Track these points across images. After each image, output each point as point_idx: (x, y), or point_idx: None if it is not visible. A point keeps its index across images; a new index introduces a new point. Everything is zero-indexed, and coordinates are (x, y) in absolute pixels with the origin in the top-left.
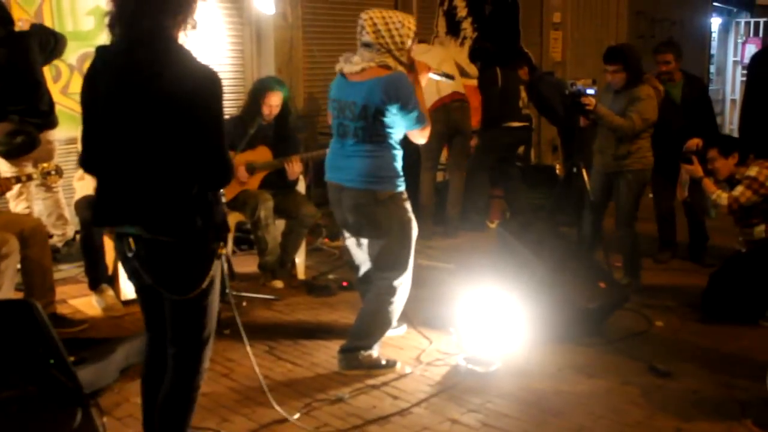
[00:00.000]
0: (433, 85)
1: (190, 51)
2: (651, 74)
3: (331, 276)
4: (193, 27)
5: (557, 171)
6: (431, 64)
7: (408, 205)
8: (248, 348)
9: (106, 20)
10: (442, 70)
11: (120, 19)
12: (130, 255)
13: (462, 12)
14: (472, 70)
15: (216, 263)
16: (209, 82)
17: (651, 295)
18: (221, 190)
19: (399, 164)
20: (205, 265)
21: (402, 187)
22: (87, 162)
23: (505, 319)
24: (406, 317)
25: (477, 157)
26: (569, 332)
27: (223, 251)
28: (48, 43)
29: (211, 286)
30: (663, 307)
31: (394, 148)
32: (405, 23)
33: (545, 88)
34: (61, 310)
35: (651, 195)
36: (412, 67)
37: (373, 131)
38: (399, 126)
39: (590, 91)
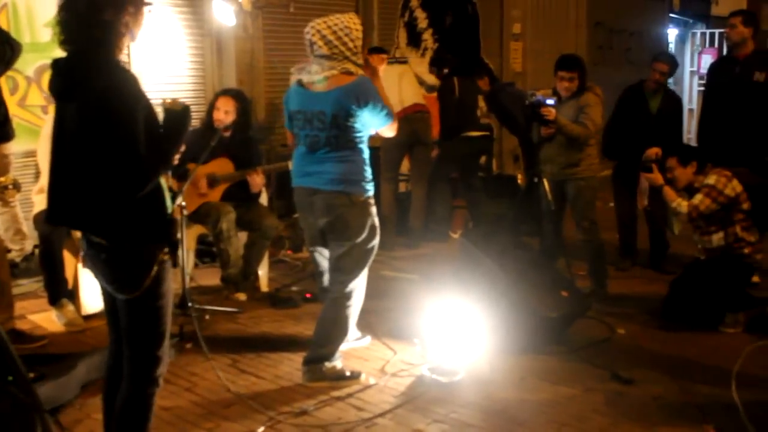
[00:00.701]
0: (395, 96)
1: (118, 61)
2: (593, 83)
3: (294, 288)
4: (132, 39)
5: (519, 181)
6: (392, 76)
7: (375, 211)
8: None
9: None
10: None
11: (60, 31)
12: (82, 253)
13: (422, 23)
14: (432, 80)
15: (159, 267)
16: (111, 90)
17: (613, 302)
18: (165, 194)
19: (369, 169)
20: (143, 267)
21: (371, 192)
22: None
23: (469, 329)
24: (370, 328)
25: (437, 168)
26: (532, 341)
27: (166, 257)
28: (4, 53)
29: (157, 289)
30: (624, 314)
31: (363, 153)
32: (351, 26)
33: (506, 98)
34: (20, 325)
35: (611, 204)
36: (367, 62)
37: (346, 137)
38: (368, 128)
39: (550, 102)
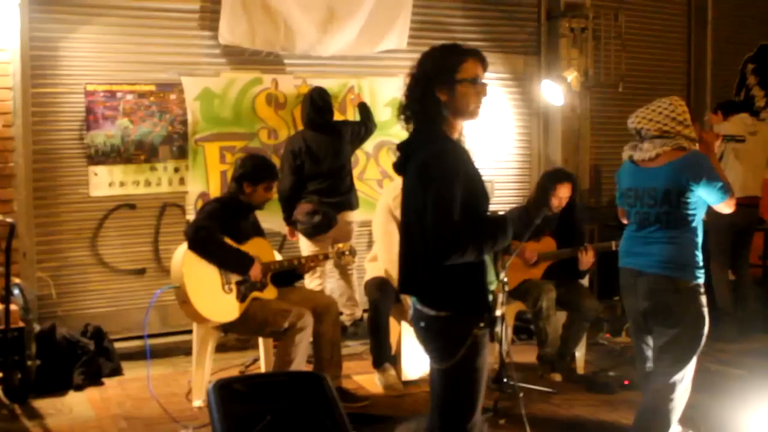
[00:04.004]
0: (737, 181)
1: (446, 135)
2: None
3: (611, 373)
4: (467, 116)
5: None
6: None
7: (704, 300)
8: None
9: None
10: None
11: (402, 112)
12: (409, 321)
13: (760, 102)
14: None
15: (474, 339)
16: (427, 162)
17: None
18: (488, 269)
19: (700, 254)
20: (456, 337)
21: (701, 280)
22: None
23: None
24: (692, 423)
25: None
26: None
27: (482, 331)
28: (359, 131)
29: (471, 361)
30: None
31: (696, 236)
32: (675, 104)
33: None
34: (346, 384)
35: None
36: (700, 138)
37: (678, 215)
38: (702, 207)
39: None
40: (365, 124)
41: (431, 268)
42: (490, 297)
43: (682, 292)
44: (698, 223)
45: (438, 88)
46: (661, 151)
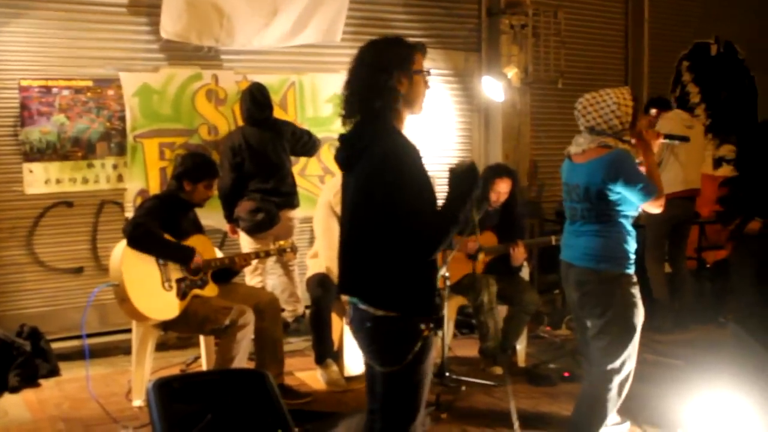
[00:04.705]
0: (679, 175)
1: (396, 129)
2: None
3: (552, 365)
4: (413, 110)
5: None
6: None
7: (635, 290)
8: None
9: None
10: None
11: (343, 107)
12: (348, 321)
13: (695, 98)
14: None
15: (423, 342)
16: (388, 157)
17: None
18: (438, 270)
19: (630, 245)
20: (405, 341)
21: (630, 270)
22: None
23: (740, 425)
24: (630, 414)
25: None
26: None
27: (428, 333)
28: (301, 137)
29: (418, 364)
30: None
31: (623, 228)
32: (621, 102)
33: None
34: (288, 381)
35: None
36: (640, 136)
37: (599, 211)
38: (628, 203)
39: None
40: (309, 134)
41: (386, 267)
42: (437, 297)
43: (607, 282)
44: (626, 216)
45: (396, 77)
46: (587, 147)
